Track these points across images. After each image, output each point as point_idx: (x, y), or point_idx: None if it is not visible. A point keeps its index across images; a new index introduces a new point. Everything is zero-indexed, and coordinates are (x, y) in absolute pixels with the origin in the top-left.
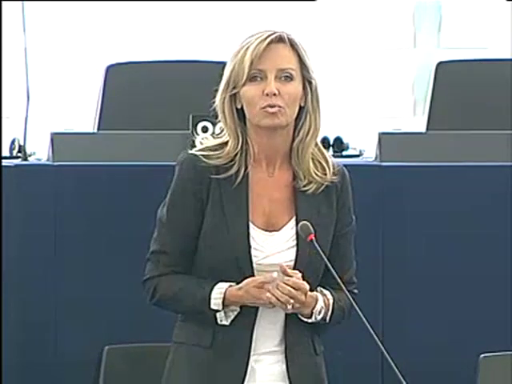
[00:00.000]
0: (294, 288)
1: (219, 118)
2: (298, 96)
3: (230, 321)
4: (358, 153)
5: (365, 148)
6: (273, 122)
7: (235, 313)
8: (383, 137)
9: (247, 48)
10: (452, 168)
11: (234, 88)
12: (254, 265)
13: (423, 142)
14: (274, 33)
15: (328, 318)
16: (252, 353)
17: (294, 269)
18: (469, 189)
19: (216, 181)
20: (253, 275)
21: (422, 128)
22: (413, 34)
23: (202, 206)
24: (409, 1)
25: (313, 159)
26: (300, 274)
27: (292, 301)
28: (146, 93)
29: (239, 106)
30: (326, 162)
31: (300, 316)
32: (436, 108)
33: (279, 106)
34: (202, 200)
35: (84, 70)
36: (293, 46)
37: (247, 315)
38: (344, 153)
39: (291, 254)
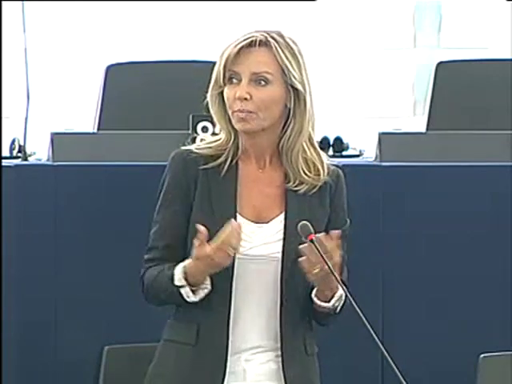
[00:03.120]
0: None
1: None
2: (275, 99)
3: (198, 298)
4: (358, 153)
5: (365, 148)
6: (244, 128)
7: (206, 291)
8: (383, 137)
9: (229, 47)
10: (452, 168)
11: (219, 87)
12: (240, 255)
13: (423, 141)
14: (252, 37)
15: (338, 310)
16: (230, 350)
17: (282, 261)
18: (469, 189)
19: (204, 172)
20: (233, 266)
21: (422, 128)
22: (413, 34)
23: (190, 198)
24: (409, 1)
25: (306, 160)
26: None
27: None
28: (146, 93)
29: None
30: (322, 163)
31: (318, 298)
32: (436, 108)
33: (249, 112)
34: (190, 191)
35: (84, 70)
36: (272, 50)
37: (224, 309)
38: (344, 153)
39: (278, 247)
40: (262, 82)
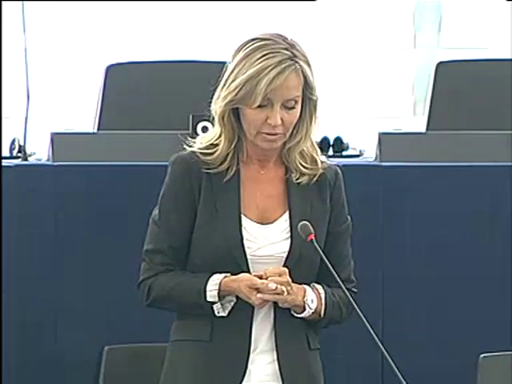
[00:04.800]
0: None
1: (216, 121)
2: (298, 116)
3: (227, 312)
4: (358, 153)
5: (365, 148)
6: (271, 147)
7: (232, 303)
8: (383, 137)
9: (264, 74)
10: (452, 168)
11: (239, 104)
12: (248, 256)
13: (423, 141)
14: (292, 63)
15: (322, 313)
16: (252, 347)
17: (287, 260)
18: (469, 189)
19: (207, 176)
20: (247, 267)
21: (422, 128)
22: (413, 34)
23: (194, 203)
24: (409, 1)
25: (302, 153)
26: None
27: (283, 287)
28: (146, 93)
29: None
30: (316, 152)
31: (293, 312)
32: (436, 108)
33: (279, 134)
34: (194, 196)
35: (84, 70)
36: (303, 72)
37: (245, 308)
38: (344, 153)
39: (285, 246)
40: (291, 106)
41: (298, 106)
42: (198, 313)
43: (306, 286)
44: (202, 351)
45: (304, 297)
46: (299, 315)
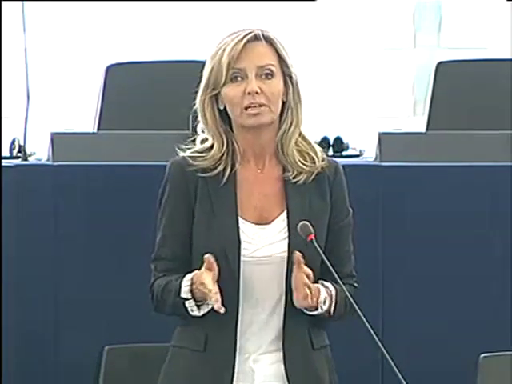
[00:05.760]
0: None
1: (199, 119)
2: (281, 92)
3: (202, 313)
4: (358, 153)
5: (365, 148)
6: (258, 122)
7: (209, 306)
8: (383, 137)
9: (224, 49)
10: (452, 168)
11: (214, 89)
12: (246, 258)
13: (423, 142)
14: (251, 32)
15: (332, 310)
16: (239, 351)
17: (288, 260)
18: (469, 189)
19: (203, 180)
20: (238, 269)
21: (422, 128)
22: (413, 34)
23: (191, 207)
24: (409, 1)
25: (299, 150)
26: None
27: (310, 291)
28: (146, 93)
29: (222, 107)
30: (313, 150)
31: (306, 310)
32: (436, 108)
33: (262, 105)
34: (191, 200)
35: (84, 70)
36: (270, 42)
37: (231, 312)
38: (344, 153)
39: (283, 246)
40: (269, 76)
41: (277, 79)
42: (181, 313)
43: (320, 286)
44: (197, 361)
45: (318, 298)
46: (310, 313)
